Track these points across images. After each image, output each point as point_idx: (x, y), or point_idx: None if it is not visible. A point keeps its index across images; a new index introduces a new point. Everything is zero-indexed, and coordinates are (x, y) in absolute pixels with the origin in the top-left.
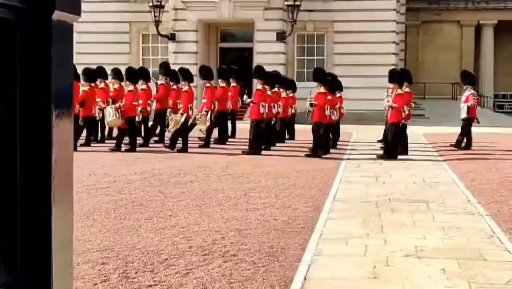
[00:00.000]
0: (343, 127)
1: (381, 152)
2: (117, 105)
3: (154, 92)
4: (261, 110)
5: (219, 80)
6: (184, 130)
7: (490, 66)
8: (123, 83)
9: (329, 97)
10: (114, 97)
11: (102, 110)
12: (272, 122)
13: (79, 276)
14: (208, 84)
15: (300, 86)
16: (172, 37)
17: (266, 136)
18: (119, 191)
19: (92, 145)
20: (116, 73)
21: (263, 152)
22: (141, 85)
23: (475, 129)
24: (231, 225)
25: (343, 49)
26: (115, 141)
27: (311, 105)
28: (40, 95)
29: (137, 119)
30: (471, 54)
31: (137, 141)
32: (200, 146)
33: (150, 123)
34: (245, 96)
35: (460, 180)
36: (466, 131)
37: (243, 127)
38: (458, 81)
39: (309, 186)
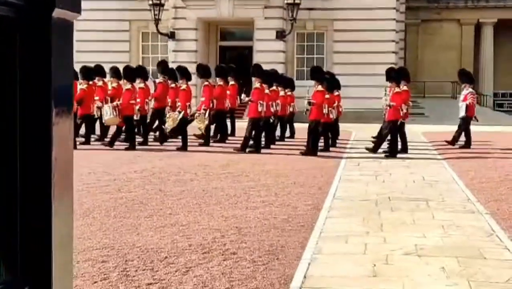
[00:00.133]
0: (342, 126)
1: (371, 145)
2: (115, 103)
3: (152, 90)
4: (259, 109)
5: (217, 79)
6: (181, 128)
7: (489, 65)
8: (121, 82)
9: (327, 96)
10: (112, 96)
11: (100, 108)
12: (271, 120)
13: (79, 274)
14: (206, 83)
15: (300, 84)
16: (172, 36)
17: (266, 134)
18: (119, 189)
19: (91, 143)
20: (115, 72)
21: (263, 150)
22: (139, 84)
23: (474, 128)
24: (231, 223)
25: (343, 48)
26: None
27: (309, 103)
28: (40, 93)
29: (135, 117)
30: (470, 53)
31: (136, 140)
32: (200, 145)
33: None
34: (243, 95)
35: (460, 178)
36: (464, 130)
37: (243, 126)
38: (457, 80)
39: (309, 184)
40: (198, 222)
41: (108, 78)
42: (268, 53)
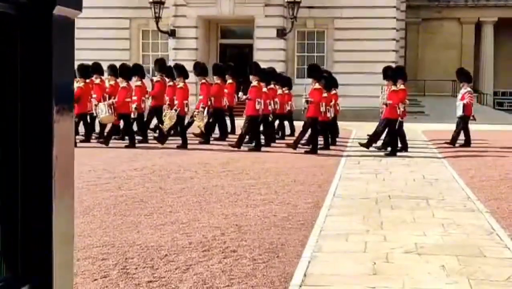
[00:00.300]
0: (343, 124)
1: (365, 141)
2: (110, 101)
3: (149, 88)
4: (257, 107)
5: (215, 77)
6: (179, 126)
7: (490, 64)
8: (118, 80)
9: (324, 94)
10: (110, 94)
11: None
12: (270, 118)
13: (79, 271)
14: (203, 81)
15: (300, 82)
16: (172, 34)
17: (264, 132)
18: (119, 187)
19: (91, 141)
20: (112, 69)
21: (263, 148)
22: (136, 82)
23: (475, 127)
24: (231, 221)
25: (343, 46)
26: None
27: (307, 102)
28: (41, 90)
29: (132, 116)
30: (471, 52)
31: (136, 137)
32: (200, 143)
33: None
34: (240, 93)
35: (460, 177)
36: (462, 129)
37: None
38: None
39: (309, 182)
40: (198, 220)
41: (105, 76)
42: (268, 51)
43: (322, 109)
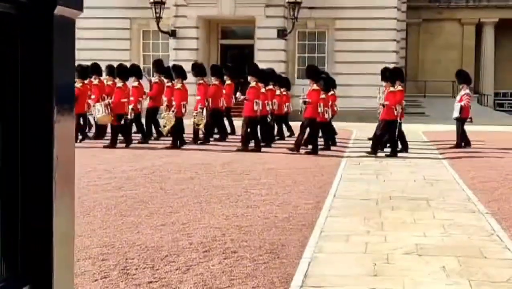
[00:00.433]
0: (343, 125)
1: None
2: (106, 101)
3: (147, 89)
4: (255, 107)
5: (212, 78)
6: (177, 126)
7: (490, 65)
8: (116, 80)
9: (322, 96)
10: (108, 94)
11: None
12: (268, 119)
13: (79, 272)
14: (200, 81)
15: (301, 83)
16: (173, 34)
17: (262, 133)
18: (119, 187)
19: (91, 141)
20: (110, 70)
21: (264, 149)
22: (133, 82)
23: (475, 128)
24: (232, 222)
25: (344, 47)
26: (113, 139)
27: (304, 102)
28: (41, 90)
29: (129, 116)
30: (471, 53)
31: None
32: (201, 143)
33: (143, 120)
34: (238, 93)
35: (461, 178)
36: (459, 131)
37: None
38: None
39: (309, 183)
40: (198, 220)
41: (104, 76)
42: (269, 51)
43: (320, 110)
